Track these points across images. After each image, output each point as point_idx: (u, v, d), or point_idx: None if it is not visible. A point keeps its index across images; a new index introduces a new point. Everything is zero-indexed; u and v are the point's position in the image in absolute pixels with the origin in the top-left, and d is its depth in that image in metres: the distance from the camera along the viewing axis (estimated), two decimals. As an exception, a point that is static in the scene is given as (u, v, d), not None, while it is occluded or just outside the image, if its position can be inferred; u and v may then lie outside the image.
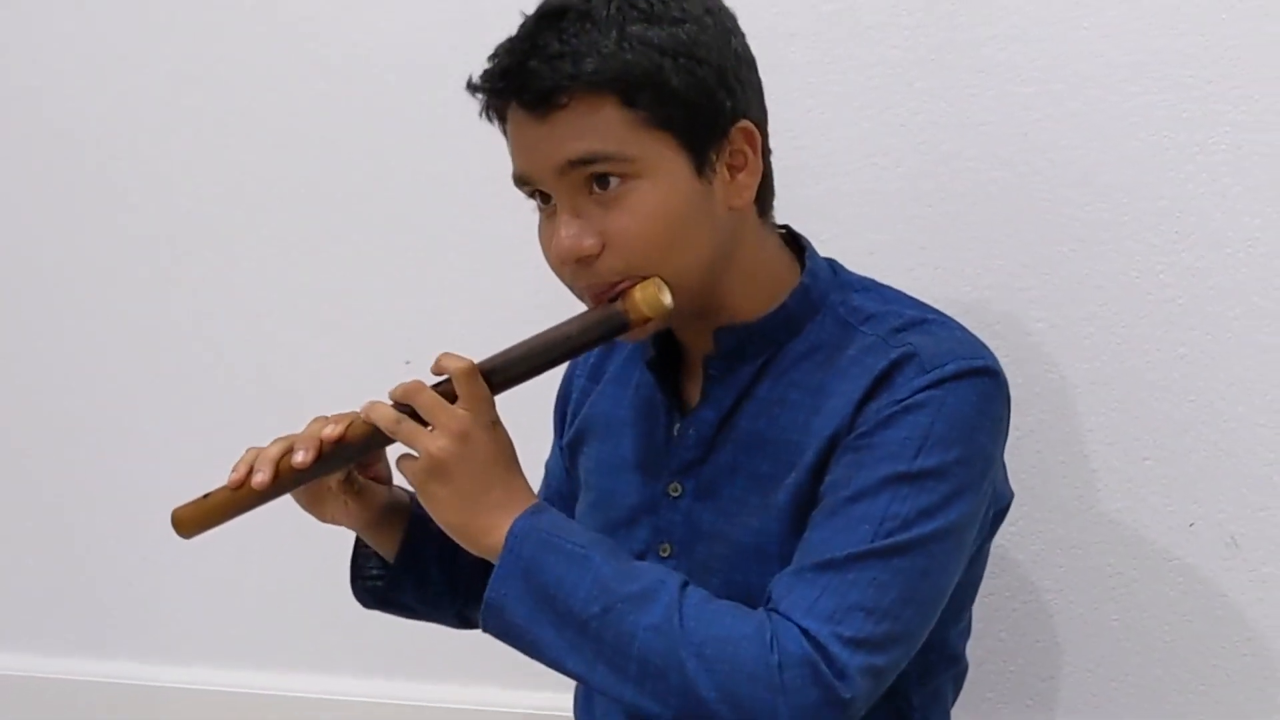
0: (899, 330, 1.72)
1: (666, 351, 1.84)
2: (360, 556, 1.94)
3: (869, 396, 1.66)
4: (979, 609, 2.25)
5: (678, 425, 1.81)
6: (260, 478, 1.70)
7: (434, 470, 1.62)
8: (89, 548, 3.09)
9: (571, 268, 1.67)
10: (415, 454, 1.64)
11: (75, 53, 2.96)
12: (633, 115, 1.62)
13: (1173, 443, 2.21)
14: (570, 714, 2.01)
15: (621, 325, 1.67)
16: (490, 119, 1.73)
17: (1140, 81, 2.16)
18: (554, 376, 1.97)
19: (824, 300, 1.77)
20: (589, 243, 1.64)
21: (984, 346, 1.74)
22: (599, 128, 1.62)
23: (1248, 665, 2.21)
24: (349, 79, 2.73)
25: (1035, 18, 2.20)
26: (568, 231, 1.64)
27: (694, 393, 1.81)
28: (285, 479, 1.72)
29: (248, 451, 1.75)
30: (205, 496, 1.77)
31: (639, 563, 1.65)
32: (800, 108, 2.31)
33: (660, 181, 1.64)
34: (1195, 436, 2.19)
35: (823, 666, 1.53)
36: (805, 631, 1.54)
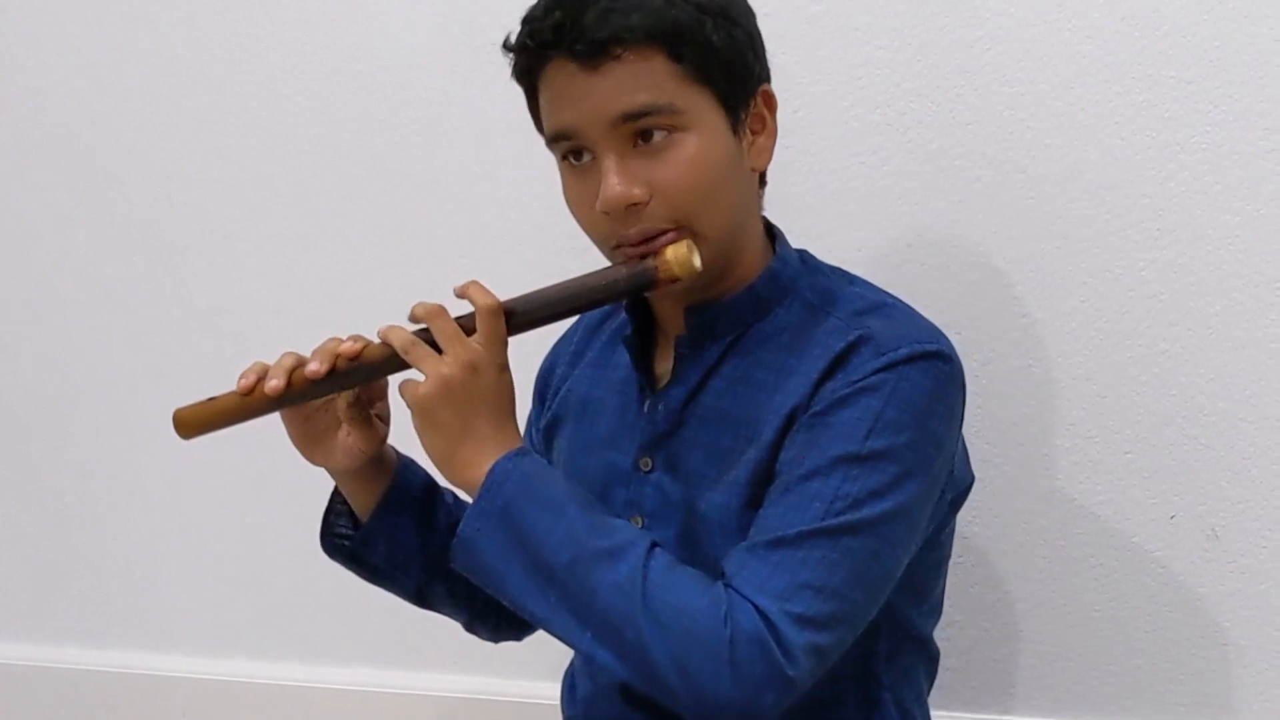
0: (860, 313, 1.74)
1: (643, 330, 1.86)
2: (332, 514, 1.93)
3: (826, 376, 1.68)
4: (962, 600, 2.27)
5: (648, 401, 1.83)
6: (274, 383, 1.69)
7: (437, 394, 1.63)
8: (89, 539, 3.09)
9: (618, 216, 1.68)
10: (420, 379, 1.65)
11: (76, 53, 2.96)
12: (679, 69, 1.65)
13: (1154, 436, 2.22)
14: (555, 703, 2.02)
15: (650, 281, 1.68)
16: (521, 80, 1.75)
17: (1122, 81, 2.17)
18: (535, 358, 2.00)
19: (792, 285, 1.80)
20: (638, 191, 1.66)
21: (940, 332, 1.75)
22: (650, 80, 1.65)
23: (1227, 655, 2.22)
24: (347, 79, 2.73)
25: (1019, 19, 2.21)
26: (616, 180, 1.66)
27: (667, 371, 1.83)
28: (296, 389, 1.71)
29: (256, 363, 1.74)
30: (211, 400, 1.75)
31: (614, 519, 1.67)
32: (788, 107, 2.29)
33: (703, 134, 1.67)
34: (1176, 430, 2.20)
35: (772, 644, 1.55)
36: (758, 608, 1.56)
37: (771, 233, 1.85)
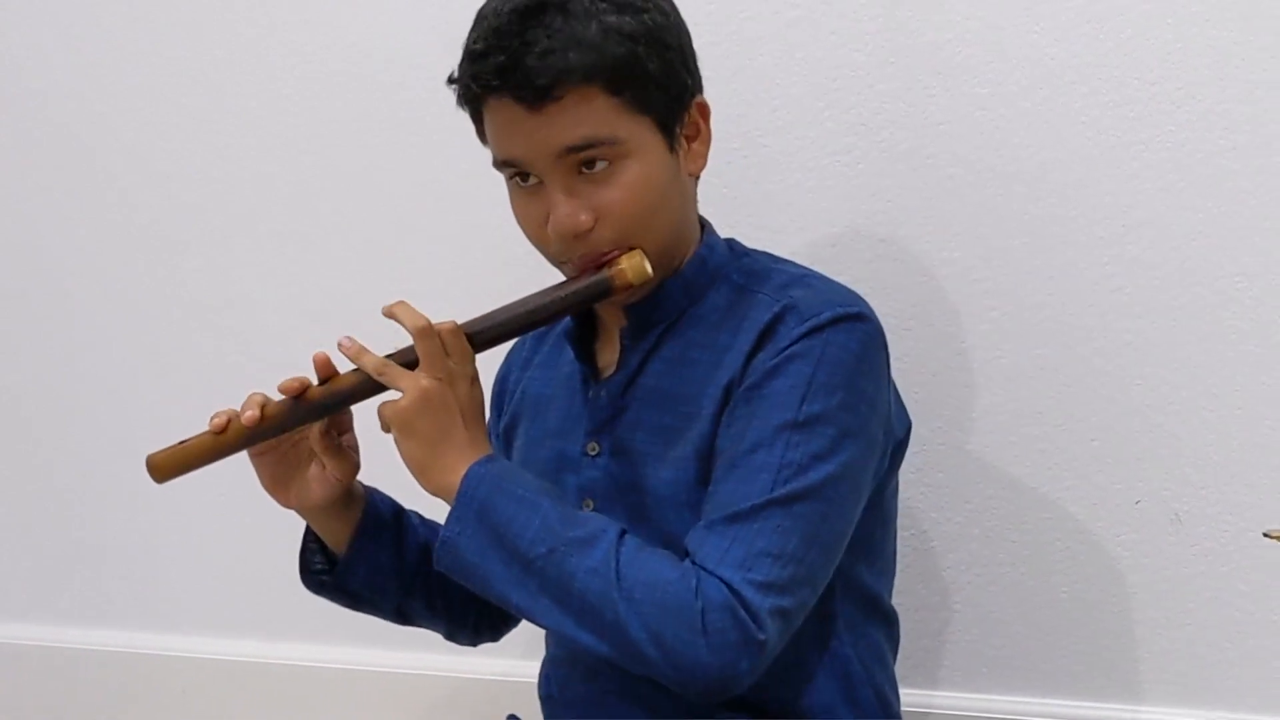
0: (784, 286, 1.78)
1: (584, 327, 1.90)
2: (307, 551, 1.96)
3: (756, 348, 1.72)
4: (934, 583, 2.28)
5: (592, 390, 1.87)
6: (250, 414, 1.72)
7: (417, 406, 1.67)
8: (91, 525, 3.10)
9: (567, 242, 1.72)
10: (396, 398, 1.68)
11: (77, 53, 2.95)
12: (618, 101, 1.69)
13: (1119, 425, 2.23)
14: (532, 680, 2.04)
15: (606, 291, 1.73)
16: (464, 108, 1.78)
17: (1088, 83, 2.18)
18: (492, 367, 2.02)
19: (720, 270, 1.84)
20: (584, 218, 1.70)
21: (858, 296, 1.79)
22: (591, 116, 1.68)
23: (1190, 635, 2.23)
24: (346, 80, 2.74)
25: (989, 23, 2.22)
26: (564, 210, 1.70)
27: (610, 364, 1.87)
28: (270, 421, 1.73)
29: (227, 408, 1.77)
30: (183, 442, 1.77)
31: (583, 511, 1.72)
32: (766, 108, 2.33)
33: (643, 159, 1.72)
34: (1141, 419, 2.21)
35: (740, 611, 1.59)
36: (722, 580, 1.60)
37: (701, 222, 1.88)
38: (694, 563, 1.63)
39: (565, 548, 1.63)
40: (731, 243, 1.90)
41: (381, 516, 1.91)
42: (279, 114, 2.81)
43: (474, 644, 2.10)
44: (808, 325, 1.70)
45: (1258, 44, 2.10)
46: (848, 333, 1.71)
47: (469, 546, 1.67)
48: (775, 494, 1.64)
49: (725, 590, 1.60)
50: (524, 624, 2.04)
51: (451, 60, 1.78)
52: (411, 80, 2.66)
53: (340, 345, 1.72)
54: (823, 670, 1.83)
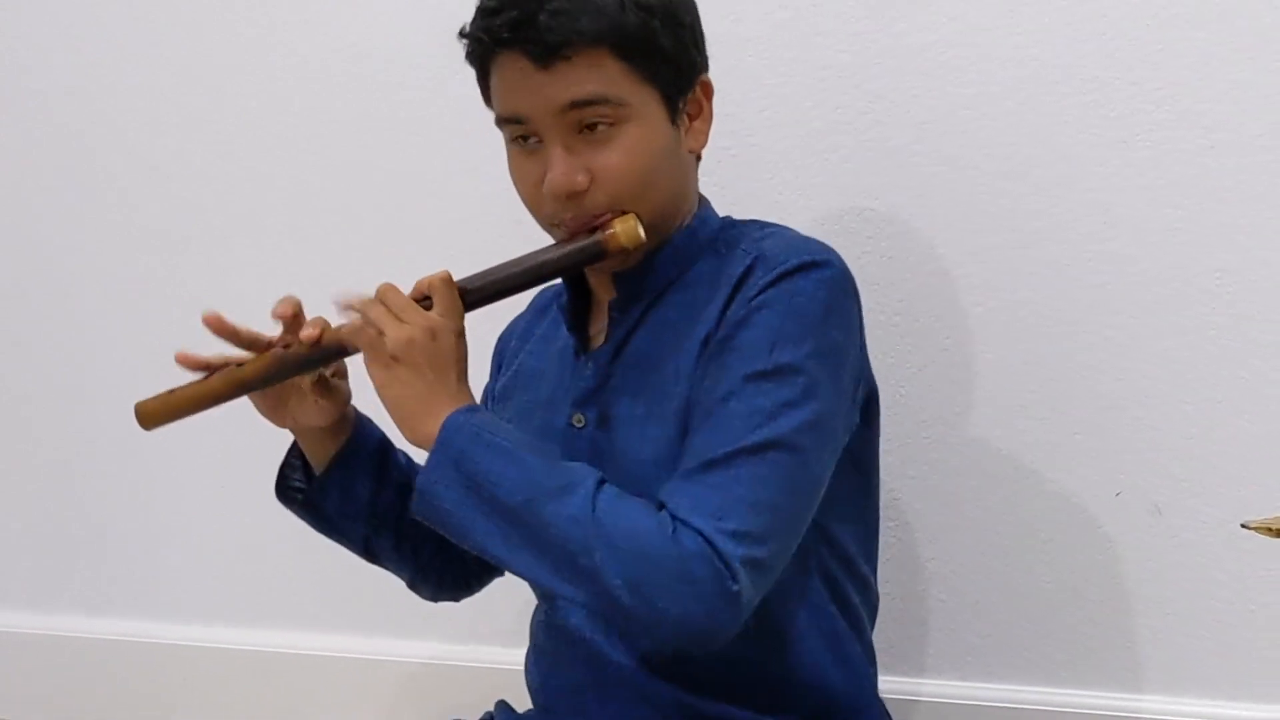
0: (757, 240, 1.77)
1: (578, 299, 1.89)
2: (288, 466, 1.95)
3: (729, 302, 1.71)
4: (921, 572, 2.29)
5: (581, 360, 1.86)
6: (239, 370, 1.74)
7: (399, 351, 1.66)
8: (93, 517, 3.11)
9: (560, 201, 1.72)
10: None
11: (79, 54, 2.96)
12: (626, 68, 1.70)
13: (1101, 418, 2.24)
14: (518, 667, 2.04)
15: (599, 254, 1.73)
16: (471, 62, 1.78)
17: (1071, 83, 2.19)
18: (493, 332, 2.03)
19: (710, 243, 1.82)
20: (580, 178, 1.70)
21: (829, 247, 1.76)
22: (598, 76, 1.69)
23: (1170, 624, 2.24)
24: (346, 79, 2.75)
25: (974, 24, 2.24)
26: (562, 169, 1.70)
27: (599, 334, 1.86)
28: (259, 375, 1.75)
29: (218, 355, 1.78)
30: (171, 391, 1.78)
31: (563, 461, 1.69)
32: (755, 107, 2.33)
33: (644, 126, 1.72)
34: (1122, 412, 2.22)
35: (716, 561, 1.57)
36: (696, 529, 1.58)
37: (701, 201, 1.88)
38: (669, 512, 1.62)
39: (543, 496, 1.61)
40: (727, 219, 1.89)
41: (366, 446, 1.90)
42: (279, 114, 2.82)
43: (434, 599, 2.07)
44: (775, 273, 1.69)
45: (1236, 45, 2.11)
46: (816, 280, 1.69)
47: (446, 495, 1.65)
48: (747, 441, 1.62)
49: (700, 539, 1.58)
50: (505, 608, 2.05)
51: (452, 60, 1.79)
52: (411, 80, 2.67)
53: (335, 301, 1.74)
54: (810, 628, 1.81)
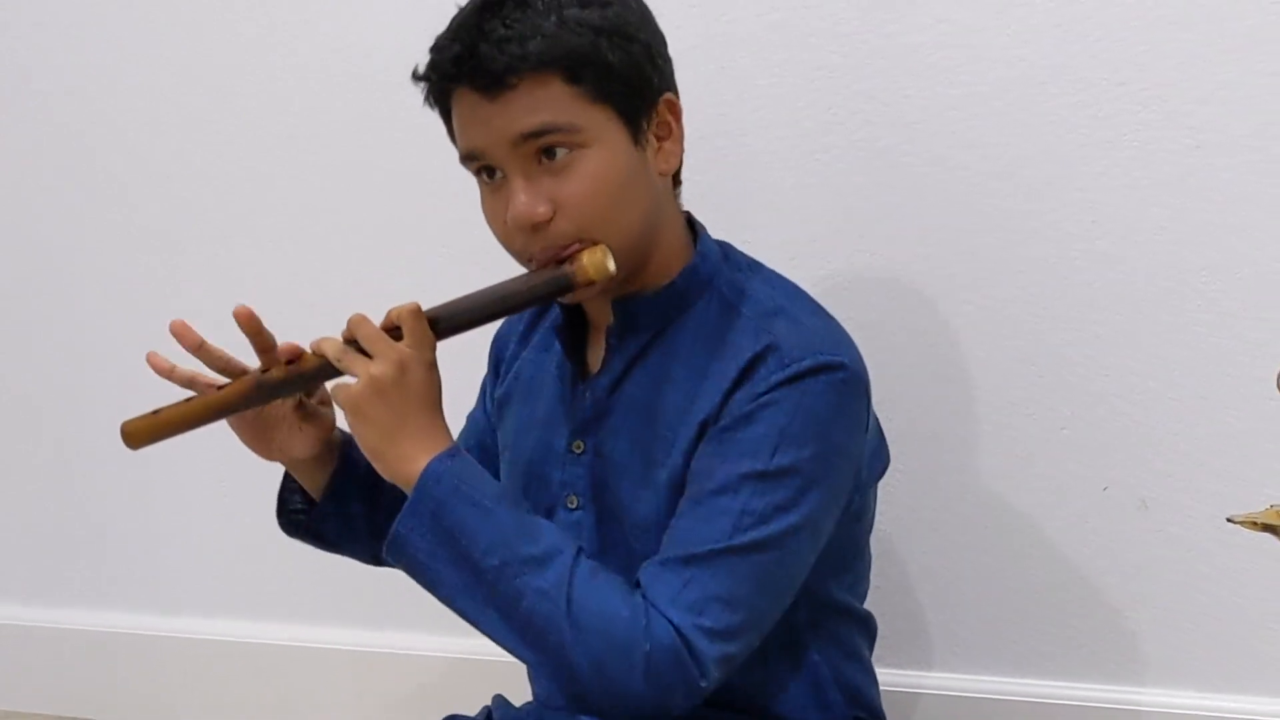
0: (768, 314, 1.73)
1: (574, 322, 1.85)
2: (285, 491, 1.95)
3: (735, 386, 1.67)
4: (910, 566, 2.30)
5: (579, 388, 1.83)
6: (218, 391, 1.74)
7: (368, 394, 1.63)
8: (95, 512, 3.11)
9: (525, 234, 1.69)
10: (352, 381, 1.66)
11: (82, 56, 2.96)
12: (577, 90, 1.64)
13: (1088, 414, 2.25)
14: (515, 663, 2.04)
15: (566, 286, 1.69)
16: (433, 106, 1.76)
17: (1058, 83, 2.20)
18: (485, 337, 2.01)
19: (711, 280, 1.78)
20: (542, 209, 1.65)
21: (842, 337, 1.76)
22: (548, 103, 1.64)
23: (1157, 617, 2.26)
24: (346, 80, 2.75)
25: (963, 25, 2.24)
26: (522, 200, 1.66)
27: (598, 360, 1.83)
28: (236, 400, 1.75)
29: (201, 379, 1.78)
30: (156, 412, 1.78)
31: (542, 522, 1.68)
32: (747, 107, 2.34)
33: (604, 150, 1.67)
34: (1109, 408, 2.23)
35: (686, 656, 1.58)
36: (672, 623, 1.59)
37: (693, 226, 1.85)
38: (644, 598, 1.62)
39: (519, 564, 1.61)
40: (724, 246, 1.85)
41: (356, 470, 1.88)
42: (279, 114, 2.81)
43: None
44: (787, 373, 1.65)
45: (1222, 46, 2.11)
46: (827, 384, 1.67)
47: (420, 546, 1.64)
48: (734, 541, 1.62)
49: (674, 634, 1.58)
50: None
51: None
52: (408, 81, 2.66)
53: (311, 344, 1.73)
54: (792, 678, 1.82)
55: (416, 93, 2.30)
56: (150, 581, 3.09)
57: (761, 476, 1.63)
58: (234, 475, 2.88)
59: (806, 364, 1.66)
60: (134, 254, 2.97)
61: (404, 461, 1.65)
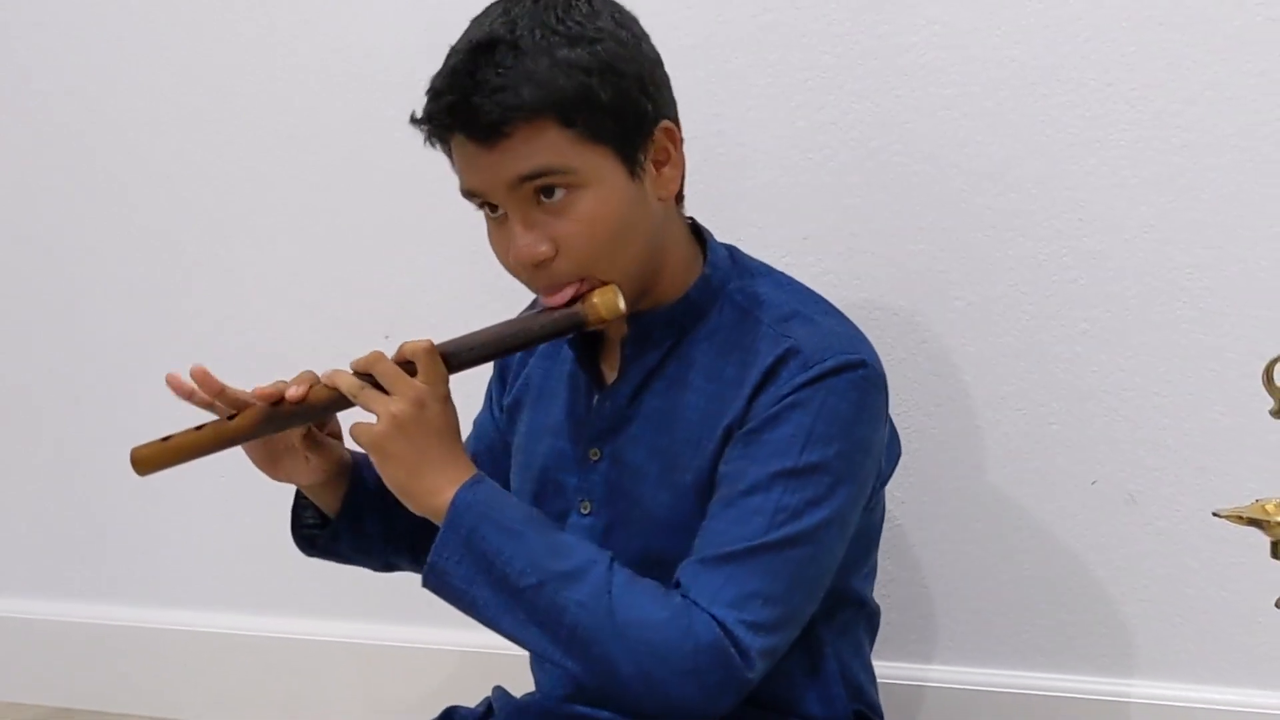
0: (785, 319, 1.75)
1: (587, 334, 1.84)
2: (299, 509, 1.96)
3: (758, 390, 1.70)
4: (904, 560, 2.31)
5: (596, 398, 1.85)
6: (219, 422, 1.74)
7: (391, 432, 1.65)
8: (94, 507, 3.11)
9: (529, 271, 1.71)
10: (370, 420, 1.67)
11: (82, 56, 2.97)
12: (570, 133, 1.65)
13: (1077, 409, 2.25)
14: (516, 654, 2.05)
15: (579, 325, 1.71)
16: (434, 145, 1.76)
17: (1048, 84, 2.21)
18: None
19: (723, 288, 1.81)
20: (543, 249, 1.68)
21: (859, 337, 1.79)
22: (542, 148, 1.65)
23: (1145, 610, 2.26)
24: (346, 80, 2.75)
25: (953, 26, 2.25)
26: (523, 241, 1.68)
27: (611, 369, 1.85)
28: (246, 429, 1.74)
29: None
30: (166, 439, 1.78)
31: (570, 539, 1.71)
32: (741, 107, 2.34)
33: (601, 188, 1.68)
34: (1097, 403, 2.24)
35: (731, 650, 1.60)
36: (715, 618, 1.61)
37: (701, 234, 1.86)
38: (686, 597, 1.64)
39: (555, 580, 1.63)
40: (733, 252, 1.86)
41: (367, 490, 1.89)
42: (280, 113, 2.82)
43: None
44: (810, 374, 1.69)
45: (1208, 47, 2.12)
46: (849, 382, 1.70)
47: (456, 573, 1.66)
48: (769, 538, 1.65)
49: (717, 630, 1.61)
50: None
51: (439, 62, 1.80)
52: (413, 80, 2.65)
53: (321, 376, 1.73)
54: (800, 670, 1.83)
55: (415, 93, 2.31)
56: (150, 576, 3.09)
57: (792, 474, 1.66)
58: (233, 474, 2.87)
59: (829, 364, 1.69)
60: (135, 253, 2.98)
61: (431, 495, 1.67)
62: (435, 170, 2.56)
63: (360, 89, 2.73)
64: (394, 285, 2.69)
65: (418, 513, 1.70)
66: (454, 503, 1.66)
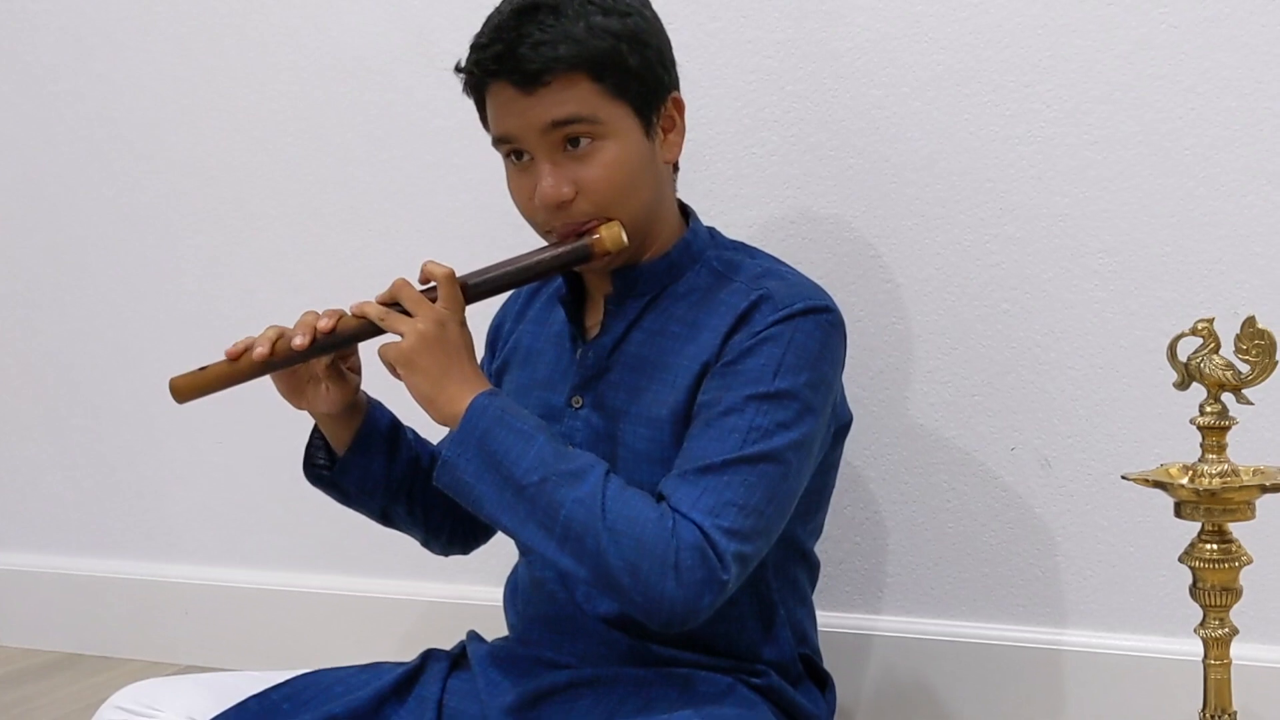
0: (758, 277, 1.82)
1: (575, 291, 1.92)
2: (312, 447, 1.96)
3: (733, 331, 1.76)
4: (838, 518, 2.32)
5: (580, 349, 1.89)
6: (260, 350, 1.74)
7: (418, 347, 1.69)
8: (104, 467, 3.13)
9: (549, 211, 1.76)
10: (397, 338, 1.71)
11: (89, 57, 2.98)
12: (600, 88, 1.74)
13: (997, 381, 2.29)
14: (489, 604, 2.07)
15: (586, 256, 1.77)
16: (469, 94, 1.81)
17: (970, 85, 2.24)
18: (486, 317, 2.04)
19: (701, 254, 1.87)
20: (566, 190, 1.74)
21: (825, 292, 1.83)
22: (575, 97, 1.73)
23: (1059, 565, 2.29)
24: (346, 77, 2.76)
25: (884, 33, 2.28)
26: (548, 182, 1.75)
27: (595, 325, 1.89)
28: (279, 357, 1.75)
29: (244, 337, 1.78)
30: (202, 369, 1.79)
31: (574, 449, 1.73)
32: (691, 107, 2.33)
33: (621, 141, 1.76)
34: (1015, 376, 2.27)
35: (709, 551, 1.63)
36: (694, 522, 1.64)
37: (685, 211, 1.92)
38: (669, 505, 1.67)
39: (556, 478, 1.65)
40: (713, 231, 1.93)
41: (378, 429, 1.92)
42: (281, 107, 2.83)
43: (445, 554, 2.10)
44: (781, 313, 1.75)
45: (1116, 52, 2.16)
46: (815, 323, 1.76)
47: (467, 468, 1.68)
48: (744, 452, 1.68)
49: (697, 532, 1.63)
50: (485, 549, 2.08)
51: (453, 57, 1.83)
52: (414, 79, 2.69)
53: (350, 307, 1.76)
54: (750, 613, 1.86)
55: (415, 90, 2.31)
56: (155, 532, 3.11)
57: (764, 398, 1.71)
58: (237, 432, 2.88)
59: (798, 306, 1.76)
60: (145, 236, 3.00)
61: (452, 403, 1.70)
62: (435, 166, 2.58)
63: (361, 89, 2.75)
64: (389, 272, 2.70)
65: (439, 421, 1.73)
66: (471, 405, 1.69)
